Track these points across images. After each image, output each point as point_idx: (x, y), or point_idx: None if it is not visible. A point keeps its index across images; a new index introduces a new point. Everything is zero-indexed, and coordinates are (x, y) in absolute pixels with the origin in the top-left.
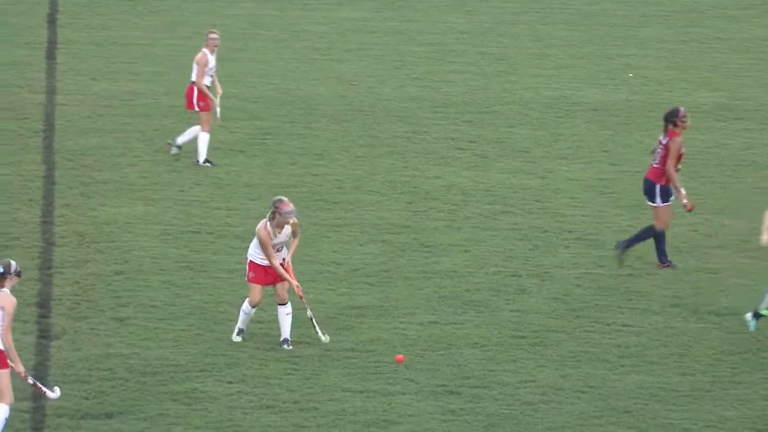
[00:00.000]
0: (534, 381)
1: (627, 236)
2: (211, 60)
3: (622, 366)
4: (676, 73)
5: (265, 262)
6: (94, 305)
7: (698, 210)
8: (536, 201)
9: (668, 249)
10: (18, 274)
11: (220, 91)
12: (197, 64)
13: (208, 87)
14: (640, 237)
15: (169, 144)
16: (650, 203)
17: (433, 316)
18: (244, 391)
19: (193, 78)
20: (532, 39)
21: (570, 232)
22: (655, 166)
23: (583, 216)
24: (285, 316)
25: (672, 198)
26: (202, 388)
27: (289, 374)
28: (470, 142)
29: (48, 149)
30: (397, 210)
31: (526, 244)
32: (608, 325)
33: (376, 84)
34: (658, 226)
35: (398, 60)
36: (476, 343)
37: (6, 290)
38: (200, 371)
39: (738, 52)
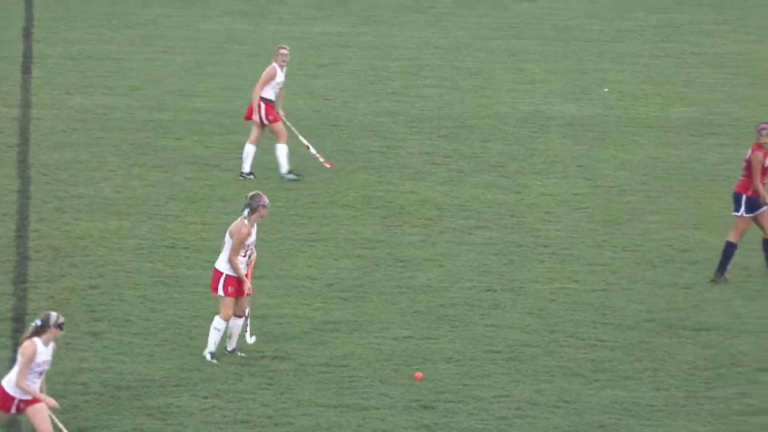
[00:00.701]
0: (508, 396)
1: (601, 251)
2: (280, 75)
3: (597, 381)
4: (651, 87)
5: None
6: (68, 319)
7: (673, 225)
8: (511, 216)
9: (643, 263)
10: (59, 326)
11: (281, 111)
12: (263, 76)
13: (273, 102)
14: (726, 255)
15: (242, 177)
16: (734, 213)
17: (407, 330)
18: (219, 406)
19: (262, 94)
20: (508, 54)
21: (544, 246)
22: (741, 178)
23: (557, 231)
24: (238, 326)
25: (761, 209)
26: (176, 403)
27: (264, 389)
28: (445, 156)
29: (23, 163)
30: (372, 225)
31: (500, 259)
32: (583, 339)
33: (351, 99)
34: (733, 238)
35: (373, 75)
36: (450, 358)
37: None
38: (175, 386)
39: (712, 67)
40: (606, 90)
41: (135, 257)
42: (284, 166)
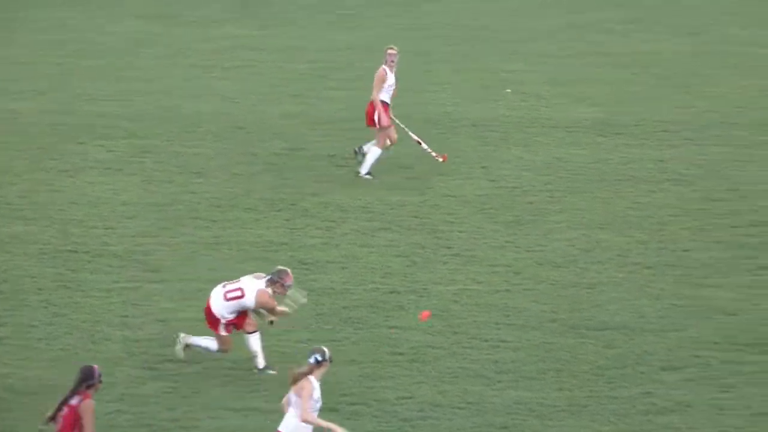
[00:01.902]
0: (412, 397)
1: (504, 252)
2: (391, 77)
3: (500, 382)
4: (557, 88)
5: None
6: None
7: (576, 225)
8: (414, 217)
9: (546, 263)
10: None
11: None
12: (376, 79)
13: (388, 104)
14: None
15: (356, 152)
16: None
17: (310, 333)
18: (123, 410)
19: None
20: (415, 54)
21: (448, 248)
22: None
23: (460, 232)
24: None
25: None
26: None
27: (168, 393)
28: (349, 158)
29: None
30: (275, 227)
31: (404, 261)
32: (486, 341)
33: (257, 101)
34: None
35: (279, 77)
36: (354, 360)
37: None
38: None
39: (619, 67)
40: (509, 91)
41: (38, 262)
42: (366, 168)
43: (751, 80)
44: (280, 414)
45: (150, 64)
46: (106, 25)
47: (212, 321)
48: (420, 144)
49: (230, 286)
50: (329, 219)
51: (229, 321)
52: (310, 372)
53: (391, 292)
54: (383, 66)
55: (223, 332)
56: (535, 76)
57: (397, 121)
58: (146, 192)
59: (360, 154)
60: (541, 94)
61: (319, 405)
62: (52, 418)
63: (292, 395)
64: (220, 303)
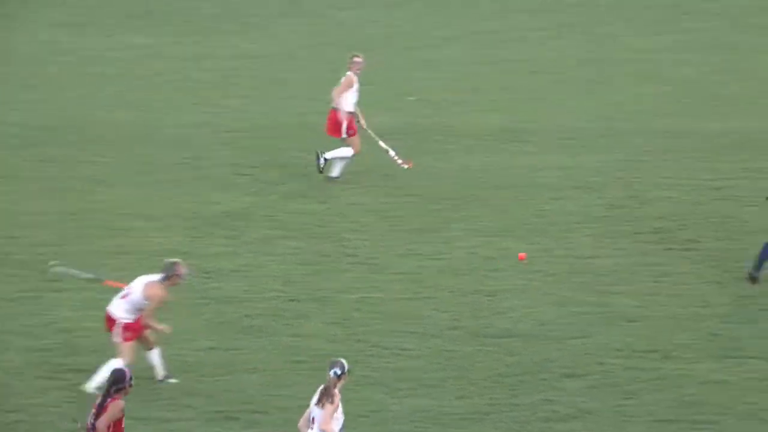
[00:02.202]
0: None
1: (406, 260)
2: (356, 84)
3: (400, 390)
4: (465, 95)
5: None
6: None
7: (478, 233)
8: (318, 226)
9: (447, 271)
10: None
11: (363, 121)
12: (343, 86)
13: (351, 112)
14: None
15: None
16: None
17: (212, 341)
18: (24, 420)
19: (335, 104)
20: (320, 63)
21: (351, 256)
22: None
23: (363, 240)
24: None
25: None
26: None
27: (70, 402)
28: (252, 167)
29: None
30: (177, 236)
31: (306, 269)
32: (387, 349)
33: (161, 110)
34: None
35: (186, 85)
36: (255, 369)
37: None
38: None
39: (523, 75)
40: (412, 98)
41: None
42: (332, 155)
43: (647, 87)
44: (180, 423)
45: (58, 73)
46: (17, 33)
47: (110, 323)
48: (388, 152)
49: (126, 288)
50: (231, 227)
51: (126, 324)
52: (334, 386)
53: (292, 301)
54: (350, 73)
55: (118, 338)
56: (439, 83)
57: (369, 131)
58: (50, 201)
59: (322, 158)
60: (446, 102)
61: (343, 419)
62: (91, 428)
63: (315, 409)
64: (115, 303)
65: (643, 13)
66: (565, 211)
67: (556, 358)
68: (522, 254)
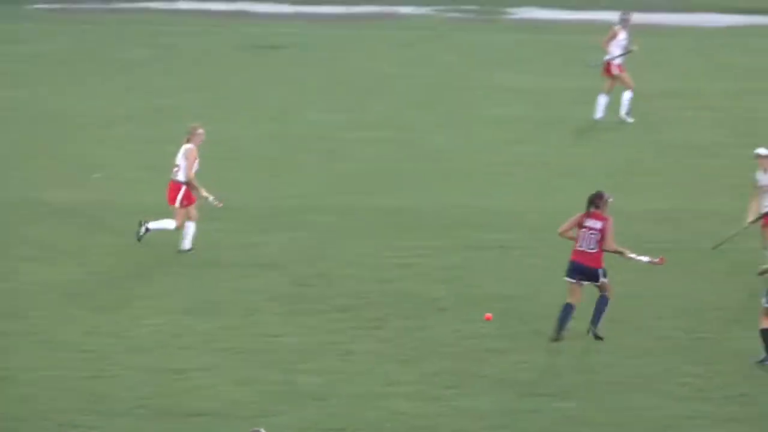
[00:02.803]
0: None
1: (91, 338)
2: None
3: None
4: (149, 172)
5: None
6: None
7: (164, 310)
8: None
9: (134, 349)
10: None
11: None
12: (190, 159)
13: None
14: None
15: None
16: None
17: None
18: None
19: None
20: None
21: (33, 333)
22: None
23: (46, 317)
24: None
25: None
26: None
27: None
28: None
29: None
30: None
31: None
32: (75, 427)
33: None
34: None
35: None
36: None
37: None
38: None
39: (208, 153)
40: (97, 175)
41: None
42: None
43: (336, 163)
44: None
45: None
46: None
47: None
48: (208, 198)
49: None
50: None
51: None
52: None
53: None
54: (191, 145)
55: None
56: (125, 160)
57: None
58: None
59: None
60: (136, 179)
61: None
62: None
63: None
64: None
65: (321, 91)
66: (252, 288)
67: None
68: (488, 315)
